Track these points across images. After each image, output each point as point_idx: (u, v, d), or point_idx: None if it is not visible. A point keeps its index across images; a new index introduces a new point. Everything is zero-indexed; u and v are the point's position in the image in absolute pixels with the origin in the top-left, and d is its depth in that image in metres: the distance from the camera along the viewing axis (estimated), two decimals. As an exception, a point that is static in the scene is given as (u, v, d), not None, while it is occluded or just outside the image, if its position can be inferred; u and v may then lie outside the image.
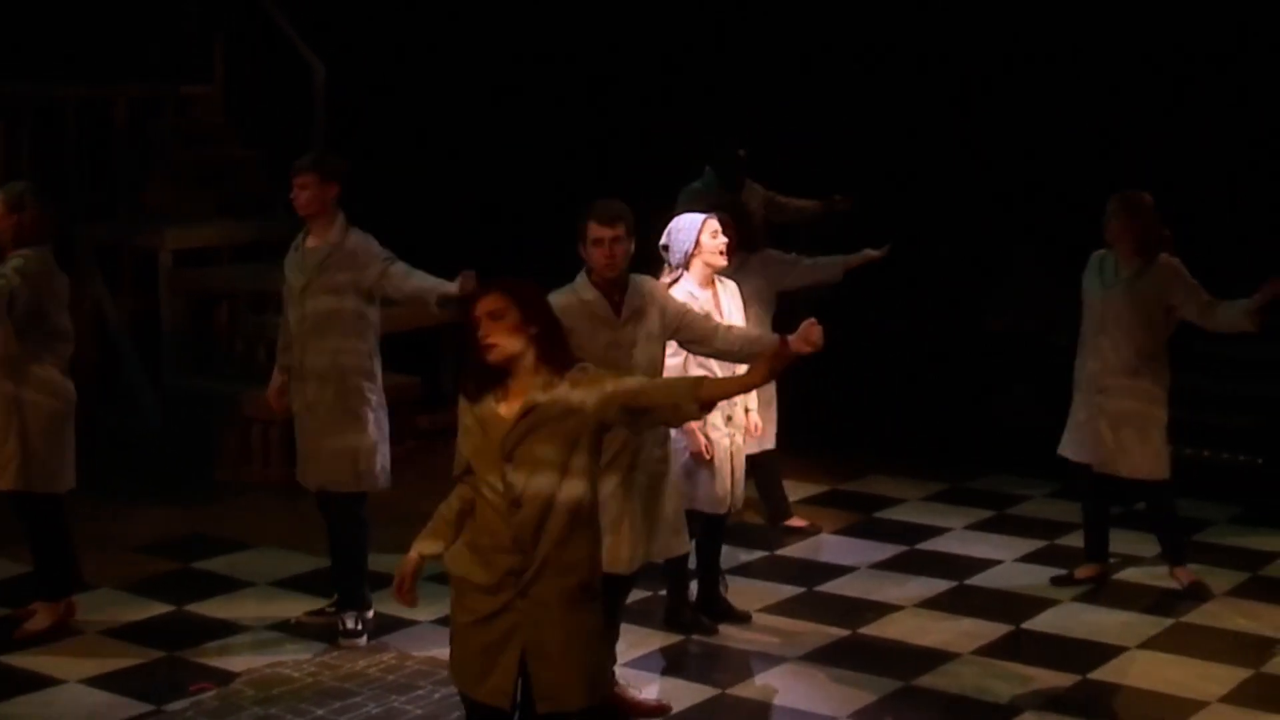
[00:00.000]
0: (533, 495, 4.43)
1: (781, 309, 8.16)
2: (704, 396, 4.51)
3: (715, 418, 6.65)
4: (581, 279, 5.80)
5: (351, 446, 6.70)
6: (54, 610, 6.88)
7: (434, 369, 10.42)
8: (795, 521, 8.39)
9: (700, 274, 6.57)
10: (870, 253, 7.83)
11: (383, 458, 6.78)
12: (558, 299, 5.64)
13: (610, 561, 5.61)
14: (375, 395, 6.76)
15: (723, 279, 6.71)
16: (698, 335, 5.91)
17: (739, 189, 8.99)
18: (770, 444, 7.97)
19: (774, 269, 7.81)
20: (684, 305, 5.97)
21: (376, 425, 6.75)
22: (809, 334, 5.61)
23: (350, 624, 6.78)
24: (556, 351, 4.48)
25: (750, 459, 7.58)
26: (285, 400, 6.85)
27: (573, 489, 4.45)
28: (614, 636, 5.98)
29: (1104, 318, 7.20)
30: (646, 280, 5.92)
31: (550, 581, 4.47)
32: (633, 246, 5.76)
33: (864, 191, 9.77)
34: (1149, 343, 7.17)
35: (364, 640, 6.76)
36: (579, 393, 4.44)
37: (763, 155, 9.16)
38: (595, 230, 5.69)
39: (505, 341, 4.41)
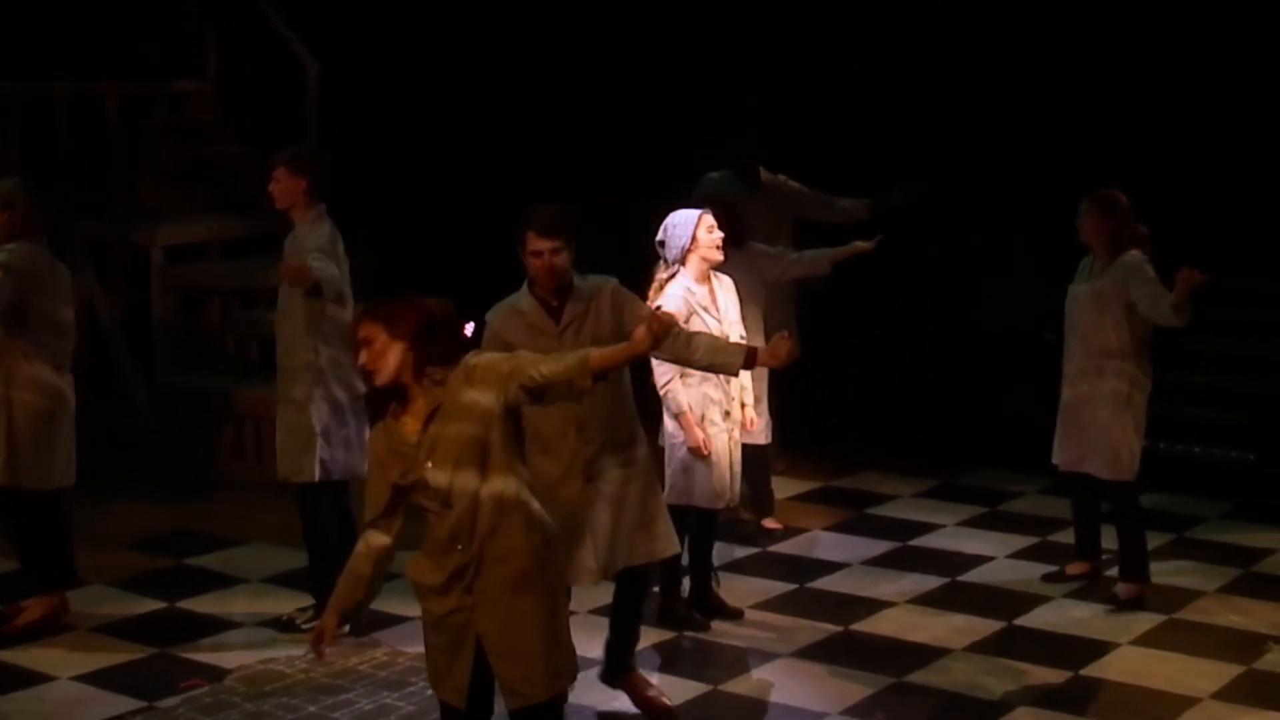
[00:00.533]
0: (459, 492, 4.51)
1: (785, 302, 8.17)
2: (594, 368, 4.57)
3: (713, 413, 6.66)
4: (524, 289, 5.70)
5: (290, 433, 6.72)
6: (47, 603, 6.86)
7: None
8: (771, 523, 8.36)
9: (697, 269, 6.60)
10: (859, 245, 7.75)
11: (325, 449, 6.70)
12: (495, 314, 5.67)
13: (575, 575, 5.65)
14: (319, 387, 6.70)
15: (719, 274, 6.73)
16: (666, 348, 5.62)
17: (753, 178, 8.72)
18: (763, 439, 7.98)
19: (761, 263, 7.80)
20: (642, 308, 5.74)
21: (318, 415, 6.71)
22: (777, 349, 5.52)
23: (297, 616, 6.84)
24: (437, 349, 4.53)
25: (747, 450, 7.57)
26: None
27: (496, 479, 4.52)
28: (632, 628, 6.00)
29: (1071, 318, 7.17)
30: (596, 284, 5.71)
31: (490, 573, 4.55)
32: (573, 254, 5.61)
33: (860, 189, 9.78)
34: (1114, 341, 7.05)
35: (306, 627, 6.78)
36: (478, 386, 4.51)
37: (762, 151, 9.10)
38: (533, 241, 5.56)
39: (382, 363, 4.50)
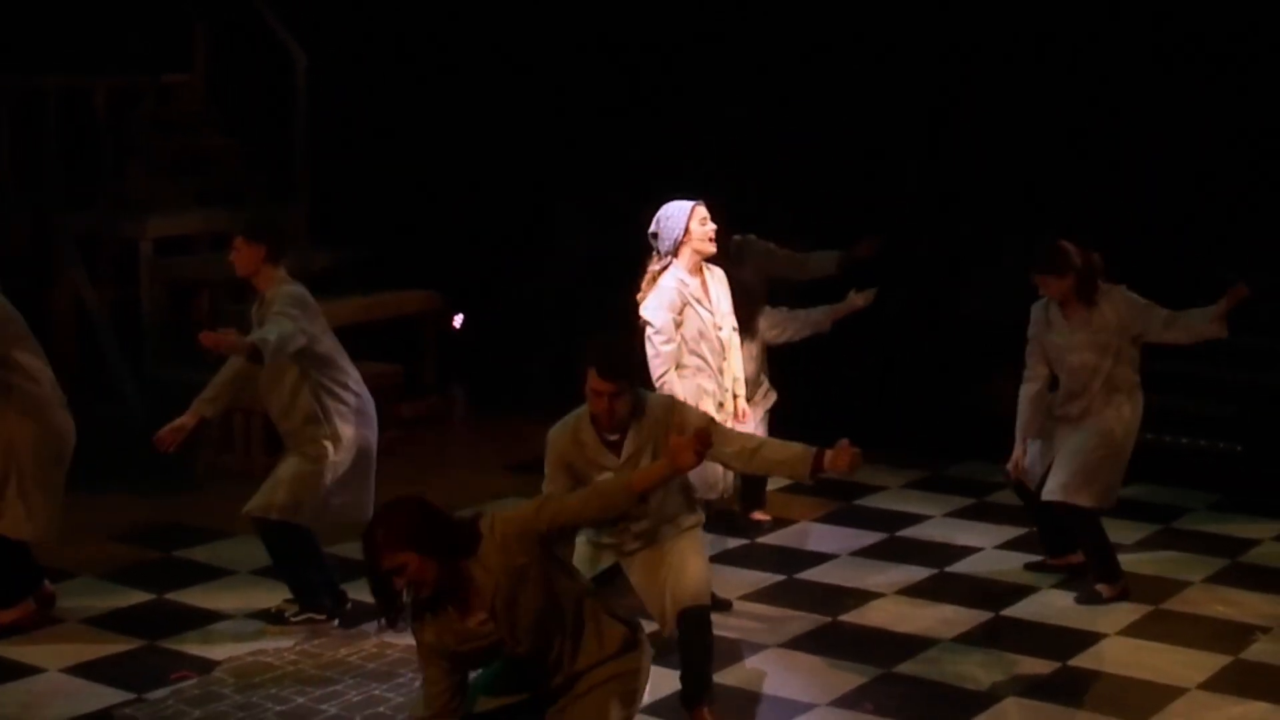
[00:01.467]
0: (547, 648, 4.58)
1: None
2: (639, 491, 4.54)
3: (707, 404, 6.67)
4: (583, 416, 5.52)
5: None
6: (19, 610, 6.81)
7: (415, 357, 10.39)
8: (760, 514, 8.36)
9: (689, 261, 6.60)
10: (855, 301, 7.79)
11: (337, 493, 6.77)
12: (557, 435, 5.55)
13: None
14: (328, 437, 6.74)
15: (711, 266, 6.72)
16: (720, 455, 5.41)
17: (724, 254, 8.29)
18: (758, 432, 7.98)
19: (765, 321, 7.86)
20: (706, 421, 5.51)
21: (331, 466, 6.77)
22: (843, 459, 5.21)
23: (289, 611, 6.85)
24: (459, 548, 4.46)
25: None
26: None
27: (559, 603, 4.56)
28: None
29: (1073, 366, 7.10)
30: (655, 413, 5.50)
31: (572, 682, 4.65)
32: (634, 395, 5.46)
33: (847, 181, 9.80)
34: (1123, 377, 7.09)
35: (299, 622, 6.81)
36: (514, 550, 4.48)
37: (750, 149, 9.08)
38: (594, 381, 5.39)
39: (426, 579, 4.44)
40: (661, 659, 6.33)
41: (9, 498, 6.66)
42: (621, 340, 5.61)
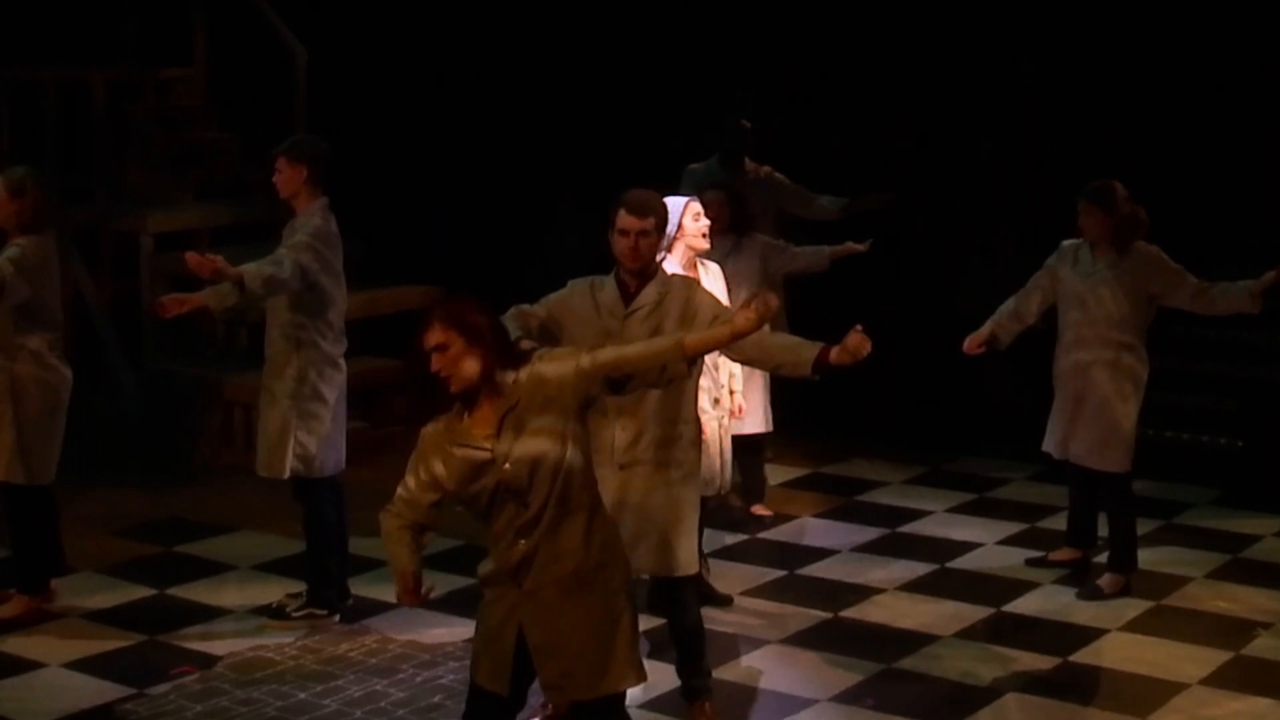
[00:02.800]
0: (537, 490, 4.40)
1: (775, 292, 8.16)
2: (690, 350, 4.49)
3: (703, 400, 6.58)
4: (611, 276, 5.58)
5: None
6: (25, 603, 6.84)
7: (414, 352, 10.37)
8: (760, 509, 8.36)
9: (682, 256, 6.52)
10: (853, 245, 7.92)
11: (303, 444, 6.68)
12: (573, 282, 5.58)
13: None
14: (307, 382, 6.70)
15: (705, 261, 6.67)
16: (738, 345, 5.40)
17: (738, 168, 8.81)
18: (761, 427, 8.00)
19: (766, 253, 7.88)
20: (717, 306, 5.56)
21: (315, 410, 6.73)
22: (854, 345, 5.07)
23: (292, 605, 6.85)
24: (504, 357, 4.44)
25: (739, 440, 7.60)
26: None
27: (564, 454, 4.40)
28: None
29: (1086, 307, 7.11)
30: (678, 280, 5.61)
31: (542, 571, 4.46)
32: (662, 241, 5.55)
33: (851, 173, 9.77)
34: (1129, 333, 7.07)
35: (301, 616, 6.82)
36: (553, 366, 4.43)
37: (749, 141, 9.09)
38: (624, 219, 5.45)
39: (460, 369, 4.38)
40: (662, 655, 6.40)
41: (5, 442, 6.65)
42: (653, 191, 5.60)
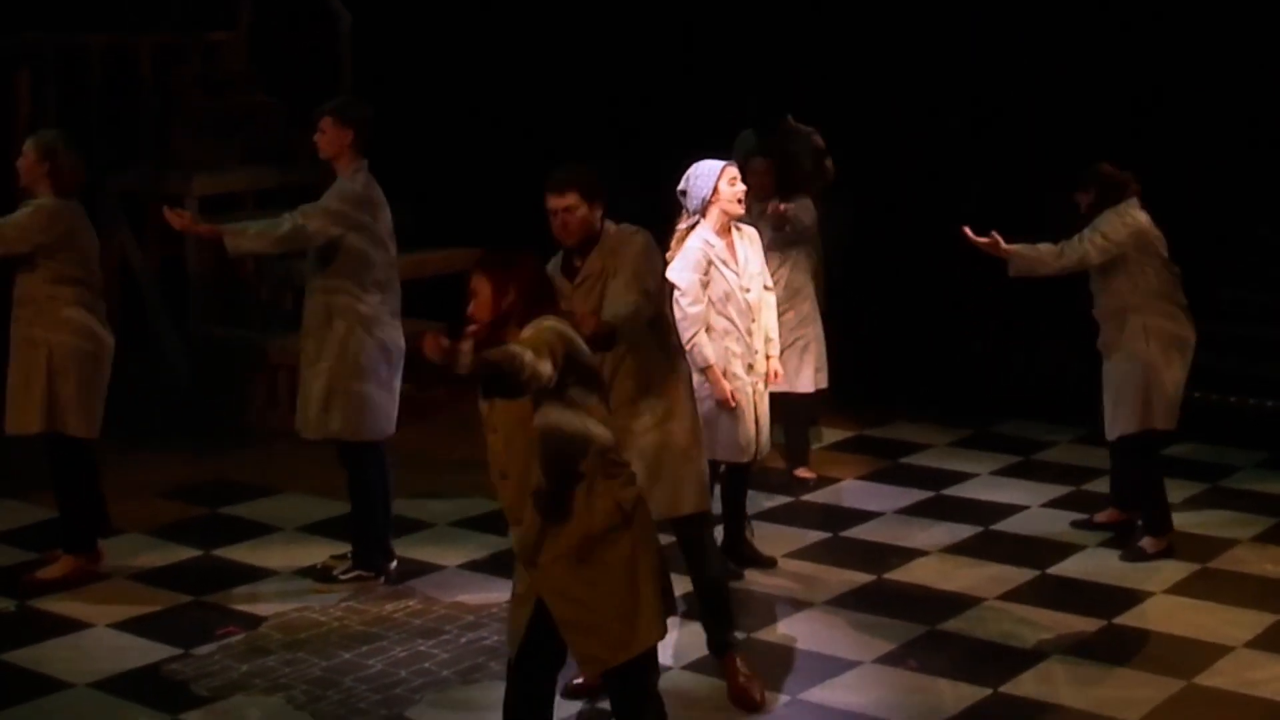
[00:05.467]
0: (515, 467, 4.47)
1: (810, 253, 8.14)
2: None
3: (735, 366, 6.53)
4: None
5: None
6: (70, 563, 6.88)
7: (460, 315, 10.35)
8: (804, 472, 8.34)
9: (717, 221, 6.45)
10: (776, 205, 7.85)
11: (347, 408, 6.66)
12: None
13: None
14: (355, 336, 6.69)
15: (740, 225, 6.59)
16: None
17: (777, 126, 8.74)
18: (808, 387, 8.01)
19: (801, 216, 7.83)
20: (635, 271, 5.47)
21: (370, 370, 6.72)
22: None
23: (340, 568, 6.87)
24: (534, 304, 4.48)
25: (785, 401, 7.60)
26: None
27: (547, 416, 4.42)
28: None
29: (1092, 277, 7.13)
30: (620, 239, 5.53)
31: (550, 545, 4.48)
32: (593, 211, 5.48)
33: (898, 138, 9.70)
34: (1129, 298, 7.00)
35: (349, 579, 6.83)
36: (527, 333, 4.44)
37: (794, 108, 9.05)
38: (548, 200, 5.53)
39: (483, 314, 4.47)
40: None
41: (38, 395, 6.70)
42: (572, 162, 5.61)
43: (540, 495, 4.47)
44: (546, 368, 4.29)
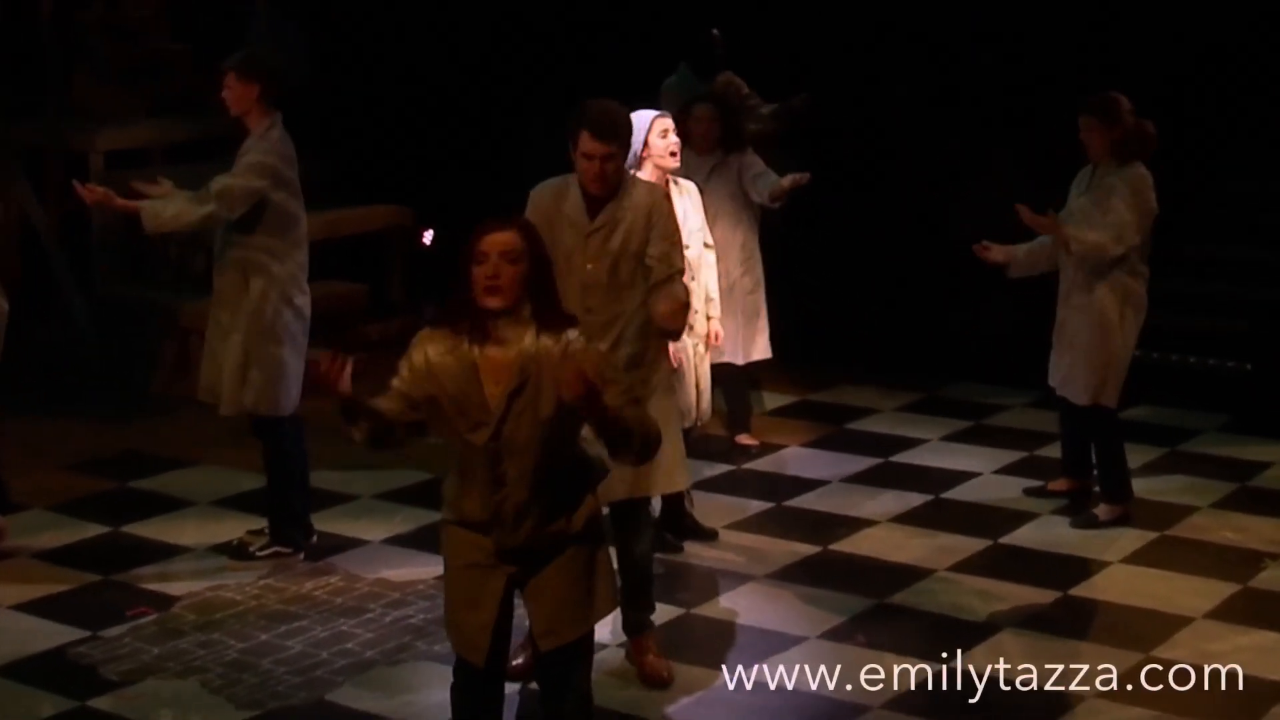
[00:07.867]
0: (526, 460, 4.30)
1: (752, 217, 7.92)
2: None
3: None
4: (571, 179, 5.39)
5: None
6: None
7: (382, 276, 10.25)
8: (746, 439, 8.22)
9: (652, 176, 6.20)
10: (797, 178, 7.48)
11: (263, 379, 6.50)
12: (537, 194, 5.42)
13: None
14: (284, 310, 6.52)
15: (678, 180, 6.42)
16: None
17: (714, 80, 8.74)
18: (764, 354, 7.92)
19: (749, 176, 7.58)
20: (668, 233, 5.40)
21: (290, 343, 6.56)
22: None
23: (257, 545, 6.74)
24: (550, 311, 4.29)
25: (724, 367, 7.54)
26: None
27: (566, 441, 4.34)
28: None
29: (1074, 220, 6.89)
30: (642, 193, 5.40)
31: (533, 524, 4.38)
32: (624, 160, 5.38)
33: (831, 91, 9.51)
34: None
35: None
36: (581, 355, 4.25)
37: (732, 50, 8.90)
38: (586, 143, 5.26)
39: (513, 287, 4.23)
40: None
41: None
42: (616, 104, 5.41)
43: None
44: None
